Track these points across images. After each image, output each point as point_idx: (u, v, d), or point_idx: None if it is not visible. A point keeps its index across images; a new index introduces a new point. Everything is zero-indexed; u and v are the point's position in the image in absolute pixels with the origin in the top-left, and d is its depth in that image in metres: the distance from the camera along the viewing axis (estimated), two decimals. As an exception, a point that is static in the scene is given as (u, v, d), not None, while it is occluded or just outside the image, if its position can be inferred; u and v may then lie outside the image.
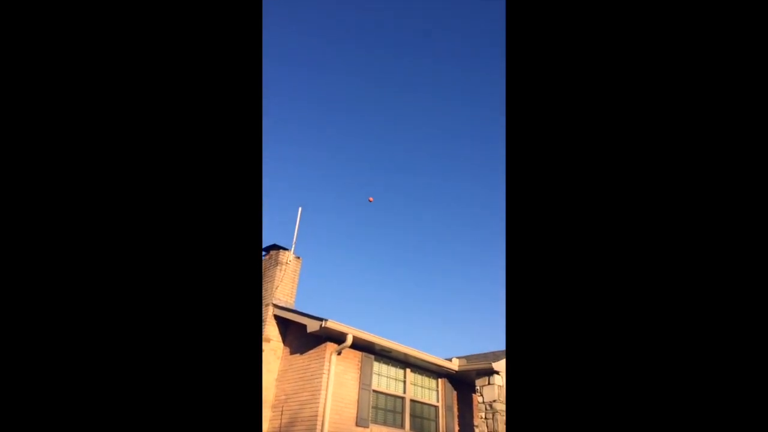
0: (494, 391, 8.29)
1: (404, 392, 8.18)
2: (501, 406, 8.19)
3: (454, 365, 8.73)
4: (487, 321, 57.71)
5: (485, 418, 8.20)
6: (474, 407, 9.05)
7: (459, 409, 8.97)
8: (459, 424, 8.80)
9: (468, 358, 9.22)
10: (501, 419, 8.03)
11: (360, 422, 7.13)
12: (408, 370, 8.41)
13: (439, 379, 8.91)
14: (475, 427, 8.89)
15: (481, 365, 8.54)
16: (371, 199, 11.02)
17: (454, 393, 9.02)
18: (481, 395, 8.47)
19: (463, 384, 9.20)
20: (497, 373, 8.45)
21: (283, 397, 7.68)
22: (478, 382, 8.60)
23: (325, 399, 6.85)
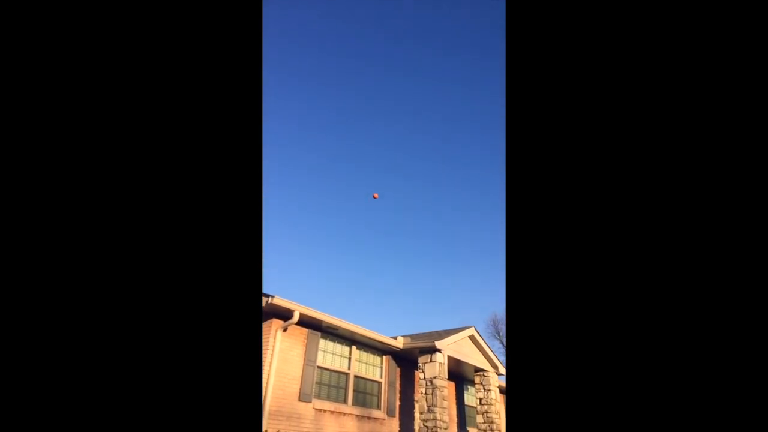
0: (435, 368, 8.66)
1: (349, 368, 8.34)
2: (441, 382, 8.59)
3: (399, 343, 9.00)
4: (436, 301, 59.57)
5: (425, 393, 8.58)
6: (416, 383, 9.42)
7: (401, 385, 9.30)
8: (400, 399, 9.14)
9: (413, 336, 9.53)
10: (440, 394, 8.43)
11: (303, 397, 7.21)
12: (354, 348, 8.57)
13: (384, 357, 9.17)
14: (415, 402, 9.28)
15: (424, 343, 8.86)
16: (376, 195, 10.36)
17: (398, 370, 9.33)
18: (423, 372, 8.82)
19: (406, 361, 9.52)
20: (439, 351, 8.82)
21: (226, 372, 7.57)
22: (421, 360, 8.93)
23: (268, 375, 6.85)
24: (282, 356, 7.17)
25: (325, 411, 7.49)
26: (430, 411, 8.32)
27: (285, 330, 7.32)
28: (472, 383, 10.87)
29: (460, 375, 10.90)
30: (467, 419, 10.85)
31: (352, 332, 8.14)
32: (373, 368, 8.93)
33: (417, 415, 8.76)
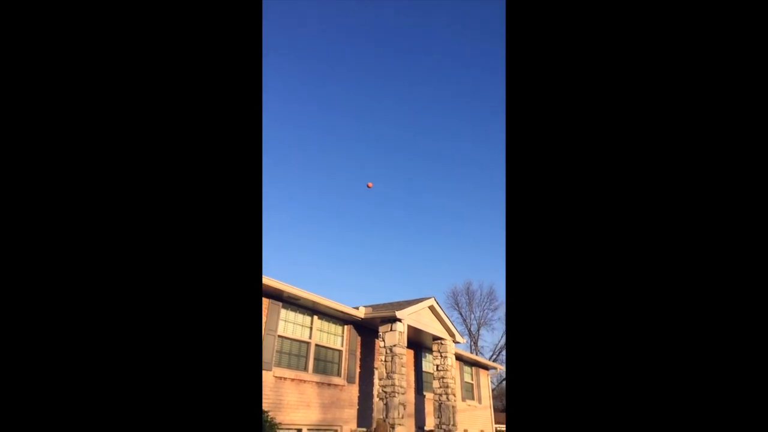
0: (395, 336, 8.92)
1: (310, 338, 8.43)
2: (400, 350, 8.87)
3: (361, 313, 9.15)
4: (402, 274, 60.71)
5: (385, 360, 8.85)
6: (376, 351, 9.68)
7: (362, 353, 9.53)
8: (360, 367, 9.39)
9: (374, 307, 9.71)
10: (399, 361, 8.72)
11: (263, 365, 7.25)
12: (315, 317, 8.64)
13: (345, 326, 9.32)
14: (375, 369, 9.58)
15: (385, 313, 9.07)
16: (370, 185, 10.93)
17: (359, 338, 9.53)
18: (383, 340, 9.07)
19: (367, 330, 9.74)
20: (399, 320, 9.06)
21: (183, 342, 7.46)
22: (382, 329, 9.16)
23: (228, 344, 6.81)
24: (242, 326, 7.12)
25: (285, 378, 7.59)
26: (389, 377, 8.61)
27: (245, 300, 7.24)
28: (431, 351, 11.31)
29: (419, 343, 11.30)
30: (424, 384, 11.34)
31: (314, 302, 8.18)
32: (335, 337, 9.08)
33: (376, 381, 9.05)
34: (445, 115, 61.40)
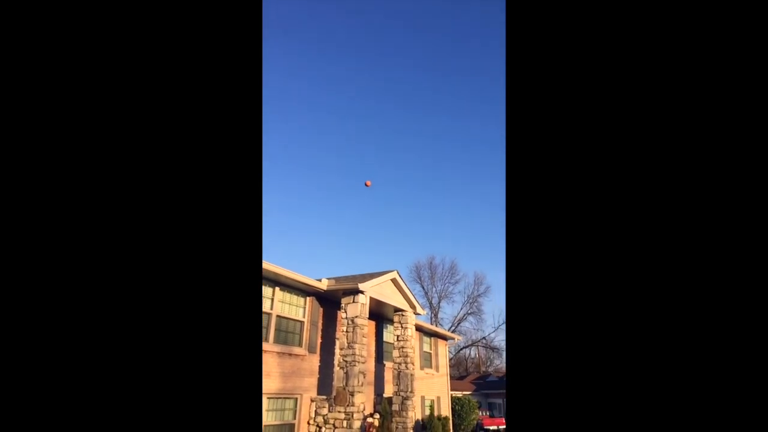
0: (357, 308, 9.05)
1: (271, 309, 8.40)
2: (362, 321, 9.03)
3: (323, 285, 9.18)
4: (367, 247, 61.05)
5: (346, 331, 8.99)
6: (338, 322, 9.81)
7: (323, 324, 9.63)
8: (322, 337, 9.50)
9: (337, 279, 9.76)
10: (360, 332, 8.89)
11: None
12: (277, 289, 8.59)
13: (308, 298, 9.34)
14: (336, 339, 9.73)
15: (348, 285, 9.14)
16: (368, 183, 10.71)
17: (321, 310, 9.60)
18: (345, 312, 9.18)
19: (330, 302, 9.81)
20: (362, 292, 9.18)
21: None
22: (344, 301, 9.26)
23: (185, 314, 6.66)
24: (200, 296, 6.97)
25: (245, 349, 7.56)
26: (349, 347, 8.78)
27: (203, 270, 7.06)
28: (392, 322, 11.59)
29: (380, 315, 11.54)
30: (385, 354, 11.67)
31: (276, 274, 8.11)
32: (297, 308, 9.09)
33: (337, 351, 9.21)
34: (420, 87, 60.84)
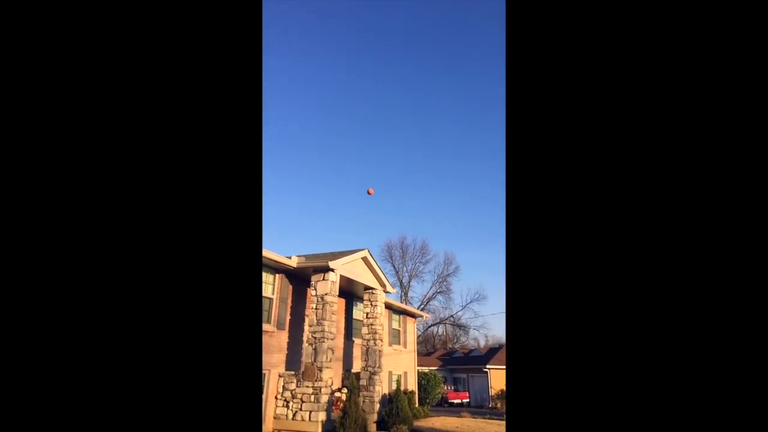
0: (327, 285, 9.06)
1: (239, 285, 8.29)
2: (331, 299, 9.07)
3: (293, 262, 9.12)
4: (340, 225, 60.85)
5: (316, 308, 9.02)
6: (308, 300, 9.81)
7: (293, 301, 9.61)
8: (291, 314, 9.50)
9: (307, 256, 9.71)
10: (330, 309, 8.94)
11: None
12: (246, 265, 8.46)
13: (277, 275, 9.26)
14: (305, 316, 9.75)
15: (318, 263, 9.12)
16: (371, 191, 11.25)
17: (290, 287, 9.56)
18: (315, 289, 9.18)
19: (300, 279, 9.77)
20: (332, 270, 9.18)
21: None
22: (314, 278, 9.24)
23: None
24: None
25: (212, 325, 7.46)
26: (319, 324, 8.83)
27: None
28: (362, 300, 11.71)
29: (350, 292, 11.63)
30: (354, 331, 11.83)
31: (244, 250, 7.96)
32: (265, 285, 9.01)
33: (306, 328, 9.25)
34: (400, 63, 59.93)
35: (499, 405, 23.01)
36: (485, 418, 14.59)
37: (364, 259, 10.68)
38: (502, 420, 14.28)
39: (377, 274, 11.14)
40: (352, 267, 10.15)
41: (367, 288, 11.18)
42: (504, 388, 24.42)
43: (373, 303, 11.23)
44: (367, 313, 11.25)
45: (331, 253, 10.09)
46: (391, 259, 43.85)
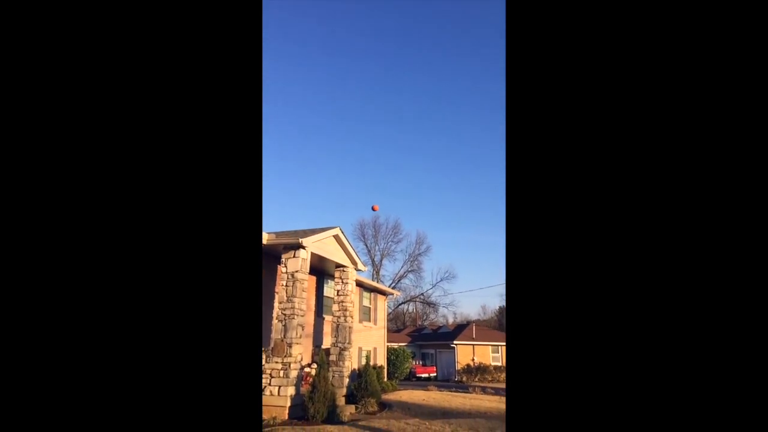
0: (298, 263, 9.01)
1: (207, 261, 8.12)
2: (302, 276, 9.04)
3: (263, 239, 8.98)
4: (312, 204, 60.24)
5: (286, 285, 8.98)
6: (278, 277, 9.75)
7: (263, 278, 9.52)
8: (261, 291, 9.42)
9: (278, 233, 9.59)
10: (300, 286, 8.92)
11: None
12: (213, 241, 8.27)
13: (247, 251, 9.11)
14: (275, 293, 9.70)
15: (289, 240, 9.03)
16: (376, 207, 11.43)
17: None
18: (285, 266, 9.12)
19: (270, 257, 9.67)
20: (303, 247, 9.12)
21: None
22: (285, 255, 9.16)
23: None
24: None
25: (178, 301, 7.32)
26: (289, 301, 8.81)
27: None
28: (333, 277, 11.74)
29: (322, 270, 11.63)
30: (324, 308, 11.90)
31: (211, 226, 7.77)
32: (234, 262, 8.86)
33: (276, 304, 9.22)
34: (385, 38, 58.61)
35: (464, 378, 23.96)
36: (451, 391, 15.19)
37: (336, 236, 10.66)
38: (467, 393, 14.92)
39: (349, 251, 11.16)
40: (323, 245, 10.12)
41: (338, 266, 11.20)
42: (470, 362, 25.40)
43: (344, 280, 11.29)
44: (338, 291, 11.31)
45: (303, 230, 10.00)
46: (364, 237, 43.97)
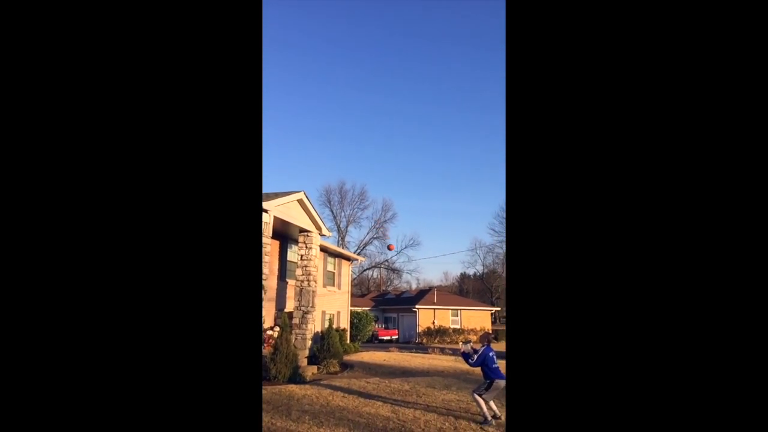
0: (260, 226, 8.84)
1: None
2: (264, 240, 8.89)
3: (224, 201, 8.70)
4: (279, 167, 58.71)
5: (248, 249, 8.81)
6: (239, 240, 9.54)
7: (224, 242, 9.29)
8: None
9: (240, 196, 9.31)
10: (262, 250, 8.80)
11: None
12: (170, 202, 7.93)
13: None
14: (237, 257, 9.54)
15: (251, 203, 8.78)
16: (392, 246, 11.78)
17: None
18: (247, 230, 8.91)
19: (231, 219, 9.40)
20: (266, 211, 8.92)
21: None
22: (246, 219, 8.93)
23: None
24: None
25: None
26: (250, 265, 8.69)
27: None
28: (297, 242, 11.66)
29: (285, 234, 11.49)
30: (288, 272, 11.86)
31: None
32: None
33: (238, 268, 9.08)
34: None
35: (424, 341, 25.01)
36: (411, 352, 15.85)
37: (300, 201, 10.49)
38: (426, 354, 15.61)
39: (313, 216, 11.06)
40: (287, 209, 9.95)
41: (302, 230, 11.10)
42: (430, 326, 26.47)
43: (308, 245, 11.24)
44: (302, 255, 11.28)
45: (266, 194, 9.76)
46: (330, 203, 43.67)
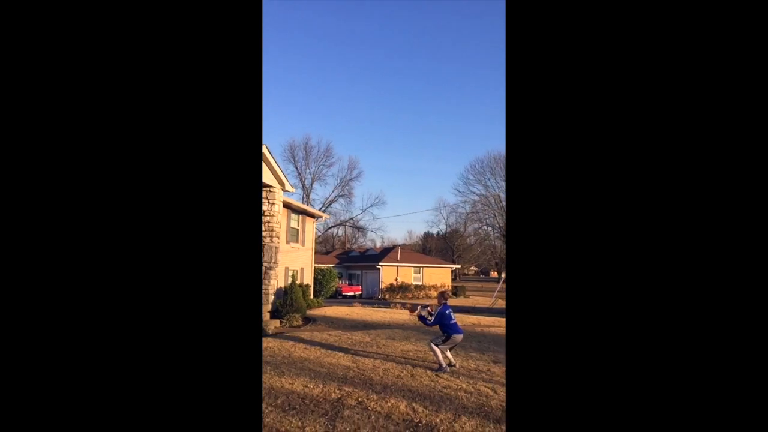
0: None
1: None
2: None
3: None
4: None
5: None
6: (197, 194, 9.17)
7: (180, 195, 8.91)
8: (178, 208, 8.87)
9: (196, 147, 8.85)
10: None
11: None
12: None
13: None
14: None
15: (209, 155, 8.37)
16: (413, 312, 9.62)
17: (177, 180, 8.77)
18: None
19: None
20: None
21: None
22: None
23: None
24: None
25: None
26: (210, 219, 8.43)
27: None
28: (259, 198, 11.36)
29: (247, 189, 11.15)
30: (250, 228, 11.63)
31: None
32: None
33: (196, 223, 8.79)
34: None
35: (387, 296, 25.79)
36: (373, 307, 16.33)
37: (262, 155, 10.13)
38: (388, 308, 16.15)
39: (276, 172, 10.75)
40: (248, 162, 9.58)
41: (264, 185, 10.80)
42: (393, 282, 27.21)
43: (271, 201, 11.00)
44: (264, 211, 11.05)
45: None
46: (294, 159, 42.59)
